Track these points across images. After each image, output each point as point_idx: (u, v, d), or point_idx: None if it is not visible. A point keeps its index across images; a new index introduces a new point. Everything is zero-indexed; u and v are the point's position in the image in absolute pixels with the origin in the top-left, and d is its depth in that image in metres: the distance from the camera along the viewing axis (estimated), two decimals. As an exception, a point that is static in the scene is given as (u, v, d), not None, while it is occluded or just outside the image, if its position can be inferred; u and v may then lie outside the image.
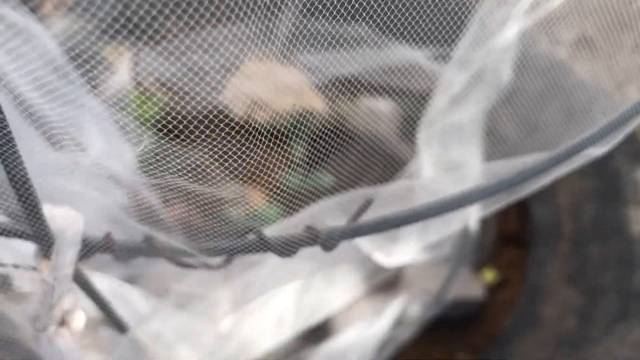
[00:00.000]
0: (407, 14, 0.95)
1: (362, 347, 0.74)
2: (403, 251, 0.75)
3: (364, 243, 0.76)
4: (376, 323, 0.77)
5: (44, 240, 0.33)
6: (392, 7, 0.91)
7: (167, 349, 0.58)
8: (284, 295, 0.66)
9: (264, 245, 0.38)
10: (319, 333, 0.76)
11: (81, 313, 0.39)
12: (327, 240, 0.38)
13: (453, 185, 0.92)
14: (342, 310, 0.74)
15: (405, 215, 0.45)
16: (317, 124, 1.17)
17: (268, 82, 1.12)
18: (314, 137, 1.14)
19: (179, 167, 0.82)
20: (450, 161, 0.98)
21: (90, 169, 0.84)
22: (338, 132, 1.08)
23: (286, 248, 0.39)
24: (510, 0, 0.82)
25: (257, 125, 1.12)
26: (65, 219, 0.34)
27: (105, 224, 0.79)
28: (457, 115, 0.97)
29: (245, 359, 0.67)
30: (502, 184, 0.46)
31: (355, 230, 0.41)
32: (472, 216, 0.77)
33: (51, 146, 0.76)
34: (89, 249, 0.36)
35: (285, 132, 1.14)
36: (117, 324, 0.48)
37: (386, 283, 0.83)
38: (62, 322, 0.37)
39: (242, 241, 0.39)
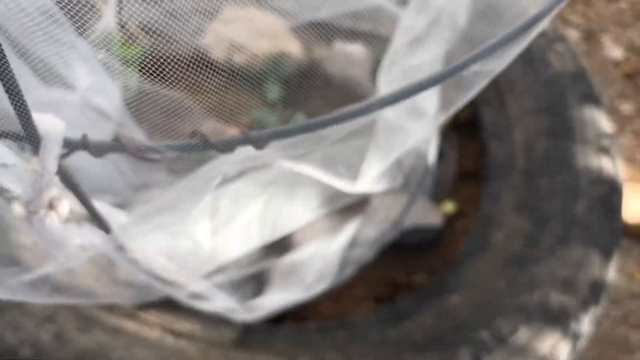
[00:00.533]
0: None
1: (323, 260, 0.83)
2: (366, 173, 0.83)
3: (325, 168, 0.83)
4: (335, 241, 0.87)
5: (34, 140, 0.41)
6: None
7: (146, 254, 0.67)
8: (249, 212, 0.75)
9: (207, 145, 0.46)
10: (281, 246, 0.85)
11: (66, 200, 0.47)
12: (258, 140, 0.47)
13: (412, 123, 1.00)
14: (303, 227, 0.83)
15: (344, 113, 0.50)
16: (293, 66, 1.24)
17: (246, 27, 1.18)
18: (289, 79, 1.22)
19: (160, 105, 0.91)
20: (410, 101, 1.06)
21: (78, 105, 0.92)
22: (312, 74, 1.16)
23: (225, 147, 0.47)
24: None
25: (235, 67, 1.21)
26: (49, 123, 0.42)
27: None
28: (417, 58, 1.04)
29: (214, 265, 0.77)
30: (448, 72, 0.51)
31: (285, 132, 0.48)
32: (426, 129, 0.84)
33: (41, 82, 0.84)
34: (70, 147, 0.44)
35: (262, 73, 1.21)
36: (100, 223, 0.57)
37: (348, 208, 0.92)
38: (50, 206, 0.46)
39: (190, 141, 0.47)
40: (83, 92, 0.92)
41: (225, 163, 0.61)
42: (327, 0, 1.17)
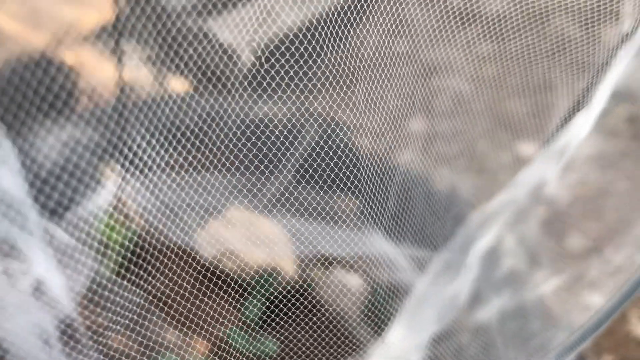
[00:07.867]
0: (397, 211, 0.96)
1: None
2: None
3: None
4: None
5: None
6: (385, 197, 0.92)
7: None
8: None
9: None
10: None
11: None
12: None
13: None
14: None
15: None
16: (280, 287, 1.15)
17: (245, 232, 1.11)
18: (272, 300, 1.12)
19: (126, 300, 0.80)
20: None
21: (29, 287, 0.82)
22: (299, 300, 1.06)
23: None
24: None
25: (219, 273, 1.10)
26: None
27: (32, 338, 0.76)
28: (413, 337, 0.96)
29: None
30: None
31: None
32: None
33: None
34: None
35: (246, 286, 1.12)
36: None
37: None
38: None
39: None
40: (36, 275, 0.83)
41: None
42: (336, 231, 1.11)
